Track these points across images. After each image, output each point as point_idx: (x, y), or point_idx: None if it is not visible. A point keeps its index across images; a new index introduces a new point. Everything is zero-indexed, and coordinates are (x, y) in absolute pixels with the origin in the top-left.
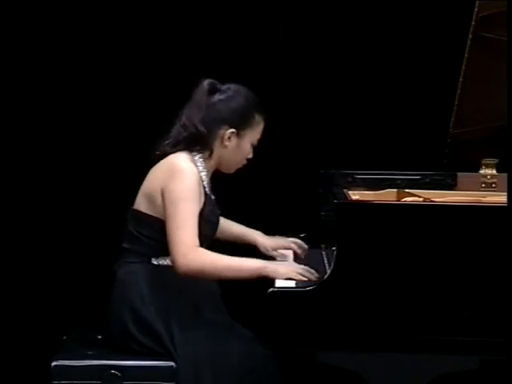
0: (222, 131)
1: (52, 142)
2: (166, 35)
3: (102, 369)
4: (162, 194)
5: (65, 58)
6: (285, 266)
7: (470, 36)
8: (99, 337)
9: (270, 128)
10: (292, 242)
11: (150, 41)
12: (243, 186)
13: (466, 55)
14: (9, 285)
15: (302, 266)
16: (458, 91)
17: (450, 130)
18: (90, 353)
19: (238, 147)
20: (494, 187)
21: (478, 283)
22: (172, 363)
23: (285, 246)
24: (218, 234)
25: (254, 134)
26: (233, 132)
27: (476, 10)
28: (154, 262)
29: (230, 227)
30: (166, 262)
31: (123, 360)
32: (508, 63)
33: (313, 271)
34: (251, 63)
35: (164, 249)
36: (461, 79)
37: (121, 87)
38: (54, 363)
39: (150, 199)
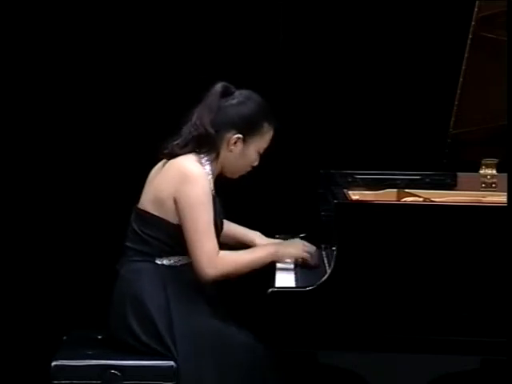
0: (229, 135)
1: (56, 141)
2: (166, 35)
3: (101, 369)
4: (175, 200)
5: (70, 59)
6: (293, 246)
7: (470, 36)
8: (99, 337)
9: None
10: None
11: (149, 40)
12: (243, 185)
13: (466, 55)
14: (9, 285)
15: (309, 245)
16: (458, 91)
17: (450, 130)
18: (90, 353)
19: (243, 153)
20: (494, 187)
21: (478, 283)
22: (172, 363)
23: None
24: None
25: (261, 143)
26: (239, 137)
27: (476, 10)
28: (158, 261)
29: (229, 228)
30: (170, 262)
31: (123, 360)
32: (508, 63)
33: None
34: (251, 63)
35: (169, 250)
36: (461, 79)
37: (122, 87)
38: (54, 363)
39: (159, 202)
